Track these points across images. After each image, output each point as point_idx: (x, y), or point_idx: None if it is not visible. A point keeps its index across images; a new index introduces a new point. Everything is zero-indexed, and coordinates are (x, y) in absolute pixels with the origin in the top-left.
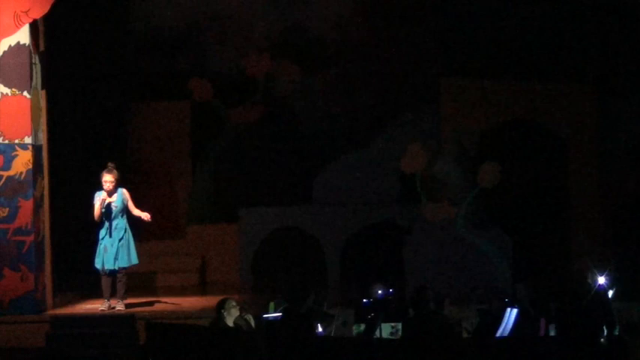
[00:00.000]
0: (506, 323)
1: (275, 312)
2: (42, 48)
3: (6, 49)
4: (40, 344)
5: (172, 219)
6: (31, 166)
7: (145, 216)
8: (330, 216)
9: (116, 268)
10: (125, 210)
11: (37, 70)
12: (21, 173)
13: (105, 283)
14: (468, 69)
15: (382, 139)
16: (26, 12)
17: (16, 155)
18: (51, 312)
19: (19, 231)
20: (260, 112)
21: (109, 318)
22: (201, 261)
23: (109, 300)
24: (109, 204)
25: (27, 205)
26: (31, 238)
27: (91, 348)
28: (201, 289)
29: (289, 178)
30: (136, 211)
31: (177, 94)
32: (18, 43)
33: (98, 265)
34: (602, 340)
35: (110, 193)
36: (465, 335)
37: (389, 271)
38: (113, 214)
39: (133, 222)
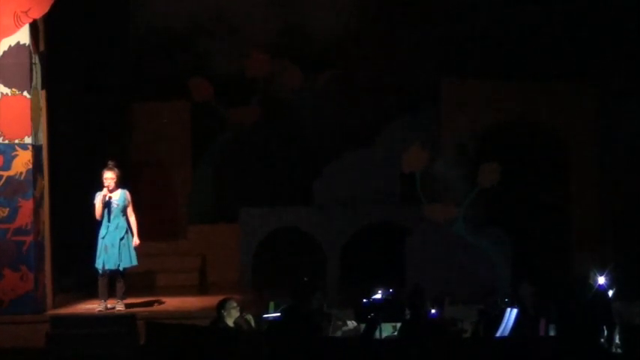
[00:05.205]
0: (506, 323)
1: (275, 312)
2: (42, 48)
3: (6, 49)
4: (40, 344)
5: (172, 219)
6: (31, 166)
7: (135, 241)
8: (330, 216)
9: (121, 269)
10: (125, 210)
11: (37, 70)
12: (21, 173)
13: (102, 284)
14: (468, 69)
15: (382, 139)
16: (26, 12)
17: (16, 155)
18: (51, 312)
19: (19, 231)
20: (260, 112)
21: (109, 318)
22: (201, 261)
23: (105, 301)
24: (110, 201)
25: (27, 205)
26: (31, 238)
27: (91, 348)
28: (201, 289)
29: (289, 178)
30: (132, 219)
31: (177, 94)
32: (18, 43)
33: (98, 265)
34: (602, 340)
35: (111, 192)
36: (464, 335)
37: (389, 271)
38: (114, 213)
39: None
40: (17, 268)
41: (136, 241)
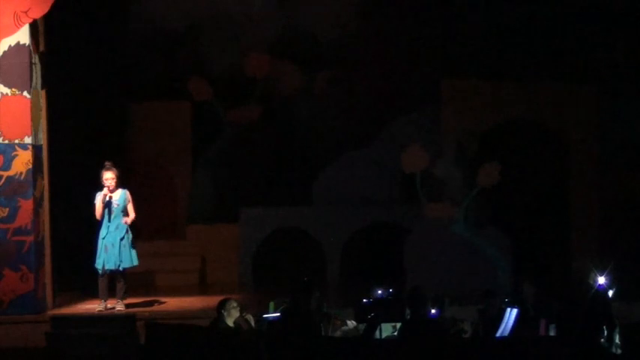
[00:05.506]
0: (506, 323)
1: (275, 312)
2: (42, 48)
3: (6, 49)
4: (40, 344)
5: (172, 219)
6: (31, 166)
7: (126, 220)
8: (330, 216)
9: (121, 269)
10: (126, 210)
11: (37, 70)
12: (21, 173)
13: (102, 284)
14: (468, 69)
15: (382, 140)
16: (26, 12)
17: (16, 155)
18: (51, 312)
19: (19, 231)
20: (259, 112)
21: (109, 318)
22: (201, 261)
23: (105, 301)
24: (110, 201)
25: (27, 205)
26: (31, 238)
27: (91, 348)
28: (201, 289)
29: (289, 178)
30: (132, 214)
31: (177, 94)
32: (18, 43)
33: (98, 265)
34: (602, 340)
35: (112, 191)
36: (464, 335)
37: (389, 271)
38: (114, 213)
39: (133, 222)
40: (17, 268)
41: (127, 220)
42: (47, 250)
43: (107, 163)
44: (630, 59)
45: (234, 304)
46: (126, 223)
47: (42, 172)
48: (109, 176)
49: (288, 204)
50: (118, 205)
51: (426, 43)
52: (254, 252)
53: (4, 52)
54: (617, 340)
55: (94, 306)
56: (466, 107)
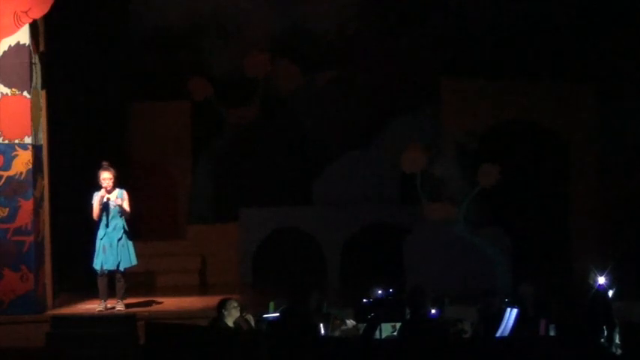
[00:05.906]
0: (506, 323)
1: (275, 312)
2: (42, 48)
3: (6, 49)
4: (40, 344)
5: (172, 219)
6: (31, 166)
7: (116, 198)
8: (330, 216)
9: (122, 269)
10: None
11: (37, 70)
12: (21, 173)
13: (101, 283)
14: (468, 69)
15: (382, 139)
16: (26, 12)
17: (16, 155)
18: (51, 312)
19: (19, 231)
20: (260, 112)
21: (109, 318)
22: (201, 261)
23: (105, 301)
24: (107, 202)
25: (27, 205)
26: (31, 238)
27: (91, 348)
28: (201, 289)
29: (289, 178)
30: (127, 208)
31: (178, 94)
32: (18, 43)
33: (97, 265)
34: (602, 340)
35: (109, 192)
36: (464, 335)
37: (389, 271)
38: (112, 214)
39: (133, 222)
40: (17, 268)
41: (118, 200)
42: (47, 250)
43: (104, 163)
44: (630, 59)
45: (234, 304)
46: (114, 201)
47: (42, 172)
48: (106, 176)
49: (288, 204)
50: (115, 206)
51: (426, 43)
52: (254, 252)
53: (4, 52)
54: (617, 340)
55: (94, 306)
56: (466, 107)
